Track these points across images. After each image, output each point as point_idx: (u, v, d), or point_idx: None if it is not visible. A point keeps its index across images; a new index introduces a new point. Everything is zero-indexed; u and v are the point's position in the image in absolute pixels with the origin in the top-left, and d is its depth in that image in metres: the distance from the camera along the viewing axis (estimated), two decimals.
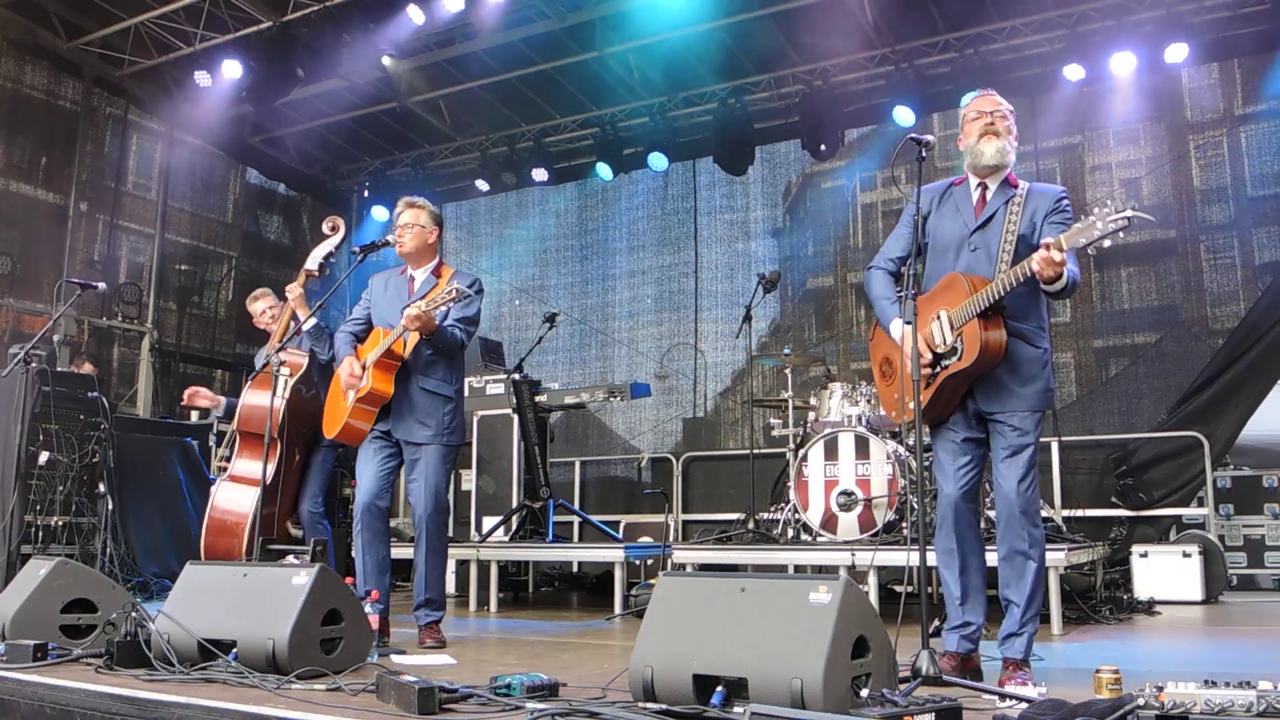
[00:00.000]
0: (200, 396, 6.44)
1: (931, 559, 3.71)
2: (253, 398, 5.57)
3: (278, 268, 11.85)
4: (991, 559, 3.79)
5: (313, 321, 5.55)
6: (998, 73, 9.19)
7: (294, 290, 5.60)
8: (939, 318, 3.58)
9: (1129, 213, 3.14)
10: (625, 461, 10.65)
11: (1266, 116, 8.78)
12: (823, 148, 9.75)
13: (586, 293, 11.61)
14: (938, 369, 3.60)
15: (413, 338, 4.70)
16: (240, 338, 11.37)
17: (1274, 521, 7.91)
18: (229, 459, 5.71)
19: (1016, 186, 3.71)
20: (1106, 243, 3.22)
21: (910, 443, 6.25)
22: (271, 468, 5.32)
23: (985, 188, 3.74)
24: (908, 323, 3.48)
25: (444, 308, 4.58)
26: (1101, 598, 6.26)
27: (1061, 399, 9.05)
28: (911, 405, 3.68)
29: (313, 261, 5.72)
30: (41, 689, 3.39)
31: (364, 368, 4.76)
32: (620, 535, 8.32)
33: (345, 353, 4.89)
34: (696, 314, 10.92)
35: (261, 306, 6.26)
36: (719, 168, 10.50)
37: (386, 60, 9.45)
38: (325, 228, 5.82)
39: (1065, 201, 3.64)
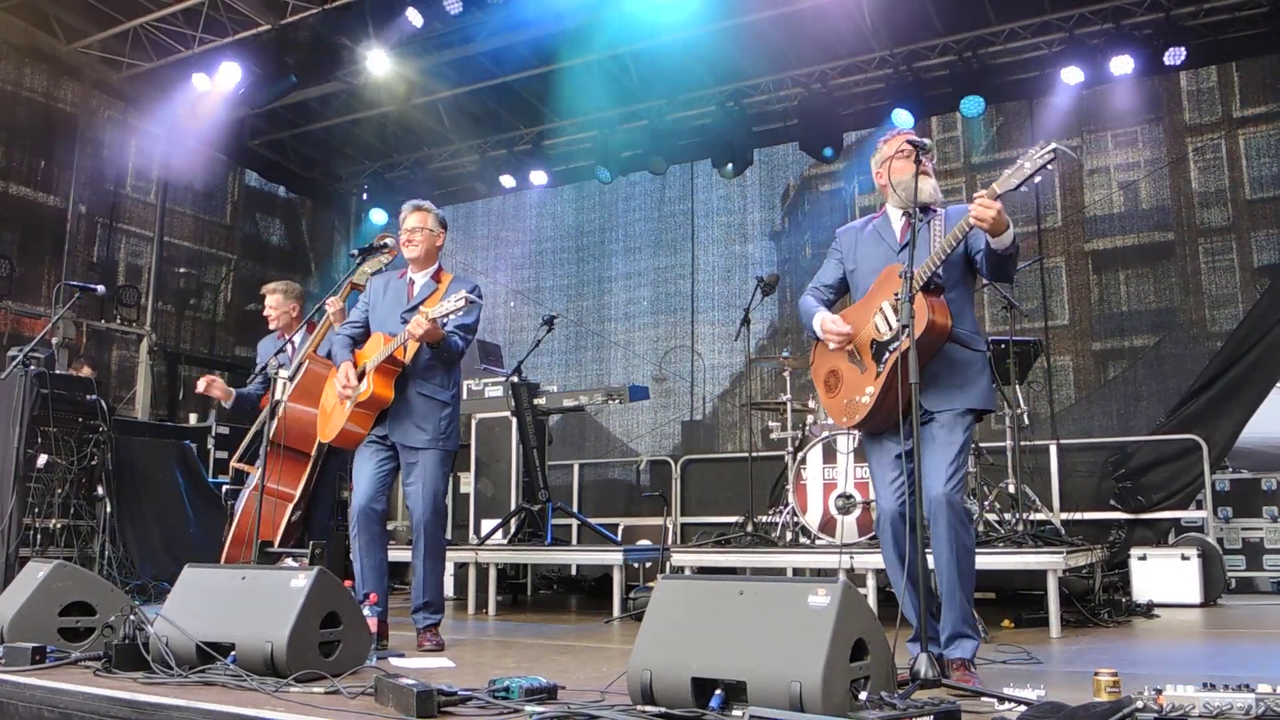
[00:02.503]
0: (216, 386, 6.32)
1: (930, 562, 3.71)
2: (300, 408, 5.43)
3: (277, 270, 11.86)
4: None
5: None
6: (996, 75, 9.21)
7: (335, 304, 5.55)
8: (881, 310, 3.70)
9: (1053, 146, 3.30)
10: (623, 464, 10.64)
11: (1264, 119, 8.79)
12: (827, 151, 9.76)
13: (582, 294, 11.61)
14: (884, 356, 3.65)
15: (413, 344, 4.70)
16: (239, 340, 11.38)
17: (1273, 524, 7.91)
18: (245, 460, 5.68)
19: (936, 210, 3.79)
20: (1038, 178, 3.37)
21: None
22: (302, 481, 5.34)
23: (908, 215, 3.78)
24: (904, 325, 3.50)
25: (451, 317, 4.57)
26: (1100, 600, 6.26)
27: (1060, 402, 9.06)
28: (862, 400, 3.73)
29: (361, 277, 5.65)
30: (40, 692, 3.39)
31: (362, 375, 4.76)
32: (619, 538, 8.32)
33: (343, 358, 4.88)
34: (693, 316, 10.92)
35: (270, 301, 6.20)
36: (717, 171, 10.52)
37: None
38: (379, 243, 5.72)
39: None
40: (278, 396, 5.11)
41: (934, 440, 3.65)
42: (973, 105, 9.08)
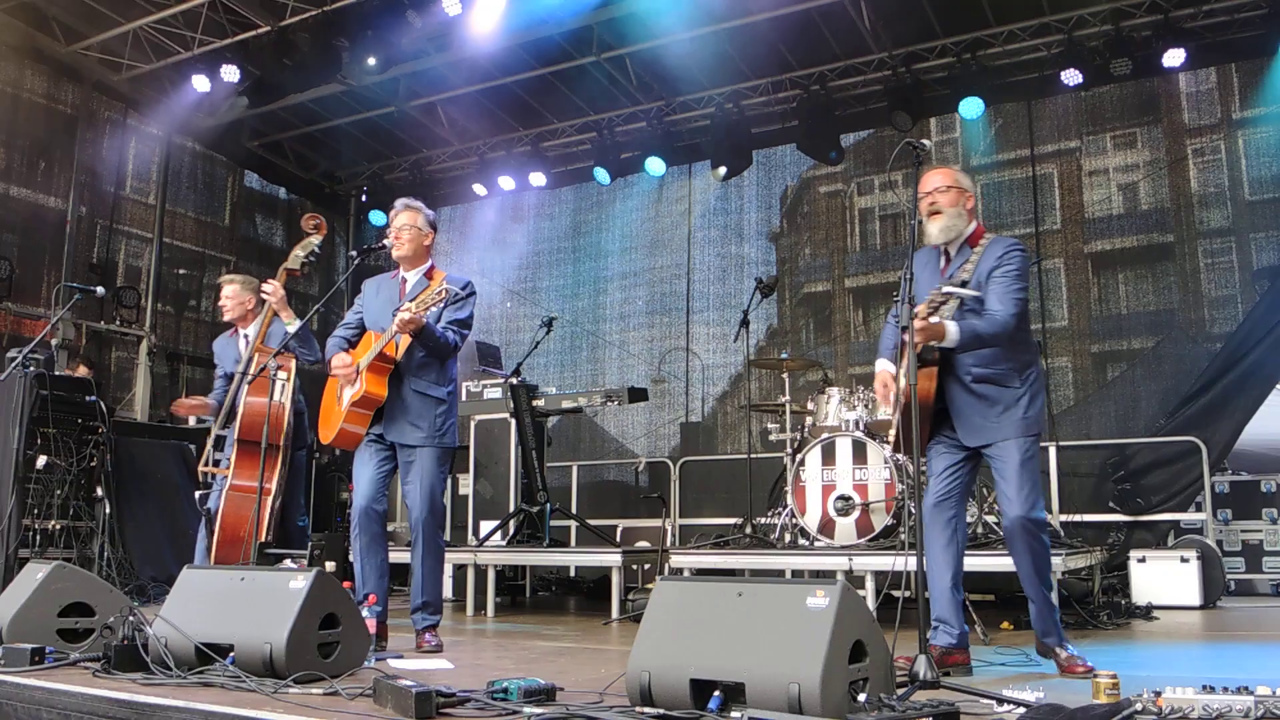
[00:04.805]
0: (198, 408, 6.38)
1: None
2: (256, 403, 5.55)
3: (275, 271, 11.82)
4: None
5: (297, 324, 5.57)
6: (995, 77, 9.21)
7: (276, 292, 5.59)
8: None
9: (948, 289, 3.74)
10: (622, 466, 10.63)
11: (1263, 121, 8.79)
12: (831, 154, 9.76)
13: (578, 295, 11.61)
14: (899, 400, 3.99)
15: (404, 340, 4.70)
16: None
17: (1272, 526, 7.91)
18: (218, 463, 5.70)
19: (975, 246, 4.07)
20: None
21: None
22: (276, 474, 5.36)
23: (948, 249, 4.14)
24: (904, 325, 3.70)
25: (435, 309, 4.59)
26: (1099, 603, 6.26)
27: (1058, 403, 9.06)
28: (892, 432, 4.10)
29: (294, 261, 5.71)
30: (39, 693, 3.39)
31: (357, 371, 4.76)
32: (617, 540, 8.32)
33: (336, 353, 4.91)
34: (688, 317, 10.90)
35: (227, 292, 6.21)
36: (712, 173, 10.53)
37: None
38: (308, 226, 5.77)
39: (1010, 254, 3.98)
40: (276, 397, 5.11)
41: (998, 474, 4.00)
42: (972, 107, 9.09)
